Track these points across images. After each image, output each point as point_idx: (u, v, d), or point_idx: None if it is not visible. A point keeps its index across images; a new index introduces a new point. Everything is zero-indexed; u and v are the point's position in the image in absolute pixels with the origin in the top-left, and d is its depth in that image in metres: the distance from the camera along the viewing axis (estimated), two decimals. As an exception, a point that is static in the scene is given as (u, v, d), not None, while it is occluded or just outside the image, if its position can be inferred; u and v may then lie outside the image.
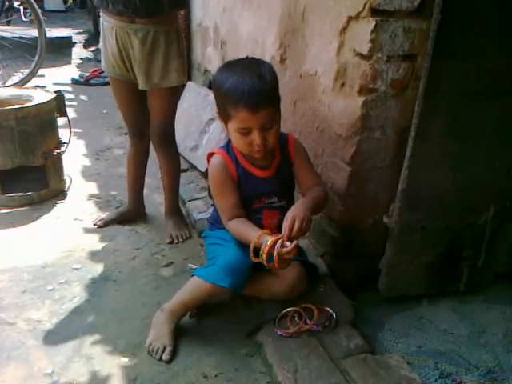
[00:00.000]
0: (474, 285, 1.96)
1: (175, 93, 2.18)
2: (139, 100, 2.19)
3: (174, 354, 1.61)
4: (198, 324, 1.75)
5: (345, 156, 1.79)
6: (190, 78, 4.00)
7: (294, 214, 1.50)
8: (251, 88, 1.49)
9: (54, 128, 2.67)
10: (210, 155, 1.74)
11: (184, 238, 2.31)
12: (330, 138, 1.89)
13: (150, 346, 1.62)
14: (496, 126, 1.71)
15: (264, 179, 1.70)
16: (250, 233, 1.57)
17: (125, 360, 1.60)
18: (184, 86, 2.22)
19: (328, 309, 1.69)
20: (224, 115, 1.60)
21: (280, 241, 1.46)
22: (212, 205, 2.11)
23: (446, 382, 1.52)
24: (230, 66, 1.60)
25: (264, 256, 1.46)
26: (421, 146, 1.64)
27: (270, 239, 1.47)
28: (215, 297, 1.74)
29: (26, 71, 4.97)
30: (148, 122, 2.21)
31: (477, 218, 1.85)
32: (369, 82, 1.64)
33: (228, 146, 1.72)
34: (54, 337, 1.69)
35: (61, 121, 2.79)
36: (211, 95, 3.08)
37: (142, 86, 2.06)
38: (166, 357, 1.59)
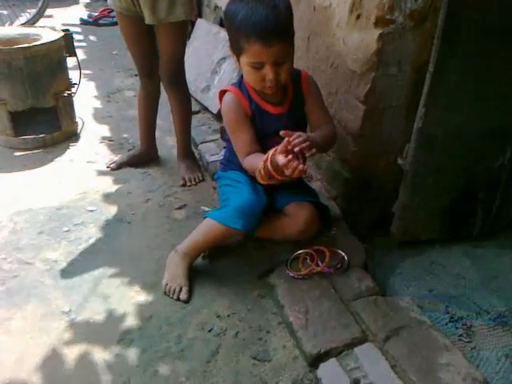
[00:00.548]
0: (487, 230, 1.94)
1: (183, 28, 2.10)
2: (147, 36, 2.11)
3: (190, 294, 1.64)
4: (211, 266, 1.77)
5: (359, 94, 1.74)
6: (200, 16, 3.86)
7: (301, 133, 1.43)
8: (264, 20, 1.43)
9: (63, 68, 2.63)
10: (222, 93, 1.70)
11: (197, 180, 2.30)
12: (344, 75, 1.83)
13: (166, 286, 1.65)
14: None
15: (277, 116, 1.66)
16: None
17: (140, 299, 1.63)
18: (192, 22, 2.14)
19: (340, 251, 1.69)
20: (236, 49, 1.54)
21: (274, 149, 1.41)
22: (224, 147, 2.09)
23: (457, 326, 1.53)
24: None
25: (261, 164, 1.42)
26: (439, 83, 1.57)
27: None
28: (228, 239, 1.75)
29: (33, 11, 4.86)
30: (157, 60, 2.16)
31: (493, 161, 1.80)
32: (386, 12, 1.56)
33: (240, 83, 1.67)
34: (70, 276, 1.73)
35: (70, 62, 2.75)
36: (222, 33, 3.00)
37: (148, 20, 1.99)
38: (183, 296, 1.62)
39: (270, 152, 1.42)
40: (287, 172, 1.36)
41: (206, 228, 1.69)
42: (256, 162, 1.51)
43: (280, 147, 1.40)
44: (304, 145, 1.38)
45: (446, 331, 1.48)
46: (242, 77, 1.66)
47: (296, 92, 1.68)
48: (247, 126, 1.63)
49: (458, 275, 1.76)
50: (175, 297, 1.62)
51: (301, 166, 1.34)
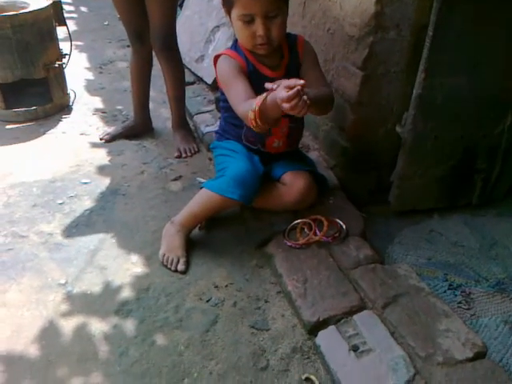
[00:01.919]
0: (486, 198, 1.93)
1: None
2: (137, 0, 2.06)
3: (187, 265, 1.62)
4: (208, 236, 1.75)
5: (357, 60, 1.70)
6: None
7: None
8: None
9: (53, 38, 2.55)
10: (217, 57, 1.66)
11: (192, 151, 2.27)
12: (341, 41, 1.78)
13: (163, 257, 1.63)
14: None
15: (273, 80, 1.62)
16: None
17: (137, 270, 1.62)
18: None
19: (338, 220, 1.68)
20: (227, 2, 1.52)
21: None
22: (219, 117, 2.05)
23: (455, 293, 1.53)
24: None
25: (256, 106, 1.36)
26: (438, 46, 1.53)
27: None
28: (224, 209, 1.73)
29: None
30: (148, 25, 2.10)
31: (493, 128, 1.78)
32: (384, -27, 1.52)
33: (235, 46, 1.64)
34: (66, 249, 1.71)
35: (61, 33, 2.68)
36: (215, 0, 2.92)
37: None
38: (181, 267, 1.60)
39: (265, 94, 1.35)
40: (286, 106, 1.26)
41: (203, 198, 1.66)
42: (251, 103, 1.42)
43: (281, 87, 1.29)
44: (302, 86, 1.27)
45: (445, 298, 1.48)
46: (236, 41, 1.63)
47: (292, 56, 1.64)
48: (242, 78, 1.56)
49: (456, 243, 1.76)
50: (173, 268, 1.60)
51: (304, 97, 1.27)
